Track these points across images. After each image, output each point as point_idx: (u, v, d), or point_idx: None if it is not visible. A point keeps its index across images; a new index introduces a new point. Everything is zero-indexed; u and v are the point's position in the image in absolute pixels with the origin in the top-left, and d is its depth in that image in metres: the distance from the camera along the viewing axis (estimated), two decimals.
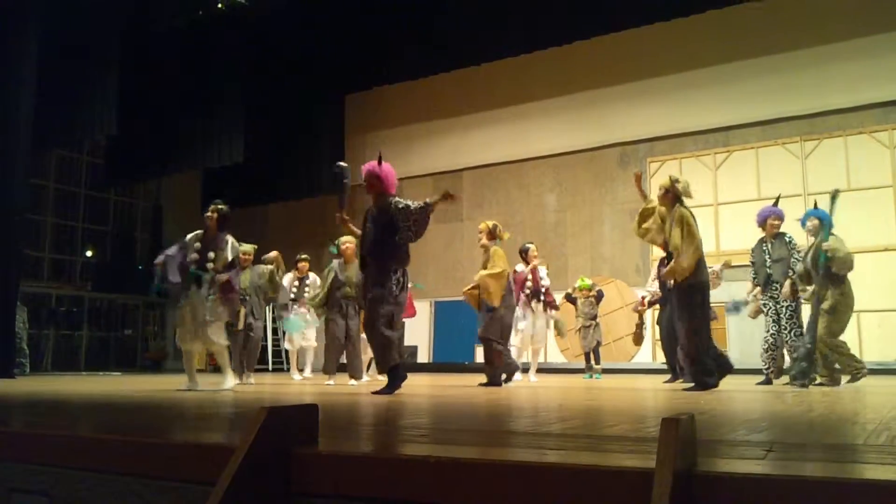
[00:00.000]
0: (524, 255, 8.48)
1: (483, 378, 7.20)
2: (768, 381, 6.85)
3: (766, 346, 6.92)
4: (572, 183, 13.24)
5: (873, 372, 9.67)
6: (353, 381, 7.42)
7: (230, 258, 5.96)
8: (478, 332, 7.24)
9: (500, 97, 13.70)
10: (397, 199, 5.43)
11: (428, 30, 12.59)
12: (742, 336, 10.67)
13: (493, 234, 7.39)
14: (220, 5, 12.66)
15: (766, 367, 6.95)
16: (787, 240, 6.85)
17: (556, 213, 13.32)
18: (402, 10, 12.39)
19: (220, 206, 6.08)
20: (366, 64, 13.69)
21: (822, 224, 6.44)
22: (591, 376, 9.41)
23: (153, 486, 1.95)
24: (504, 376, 7.16)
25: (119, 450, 2.10)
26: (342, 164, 6.05)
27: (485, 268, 7.23)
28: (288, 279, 8.99)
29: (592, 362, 9.51)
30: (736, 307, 7.23)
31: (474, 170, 14.20)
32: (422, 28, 12.61)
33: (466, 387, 6.69)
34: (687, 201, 6.00)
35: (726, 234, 11.44)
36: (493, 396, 5.06)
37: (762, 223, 7.00)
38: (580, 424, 2.80)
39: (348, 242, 7.49)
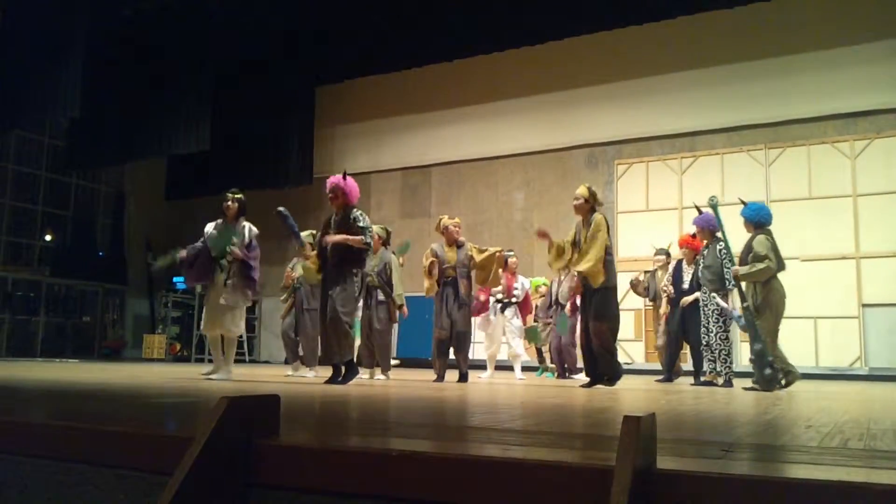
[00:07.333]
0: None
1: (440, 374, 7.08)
2: None
3: None
4: (540, 182, 13.30)
5: (828, 377, 9.95)
6: (380, 376, 7.29)
7: (248, 242, 6.13)
8: (460, 327, 7.06)
9: (471, 94, 13.71)
10: (358, 211, 6.02)
11: (401, 24, 12.54)
12: None
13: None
14: None
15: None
16: None
17: (523, 211, 13.38)
18: (376, 4, 12.31)
19: (237, 195, 6.25)
20: (337, 56, 13.59)
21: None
22: (542, 372, 9.48)
23: (108, 475, 1.91)
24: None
25: (73, 437, 2.05)
26: (281, 209, 6.15)
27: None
28: None
29: (549, 362, 9.50)
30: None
31: (443, 166, 14.21)
32: (394, 22, 12.55)
33: (431, 381, 6.68)
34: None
35: None
36: (456, 392, 5.06)
37: None
38: (543, 421, 2.81)
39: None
